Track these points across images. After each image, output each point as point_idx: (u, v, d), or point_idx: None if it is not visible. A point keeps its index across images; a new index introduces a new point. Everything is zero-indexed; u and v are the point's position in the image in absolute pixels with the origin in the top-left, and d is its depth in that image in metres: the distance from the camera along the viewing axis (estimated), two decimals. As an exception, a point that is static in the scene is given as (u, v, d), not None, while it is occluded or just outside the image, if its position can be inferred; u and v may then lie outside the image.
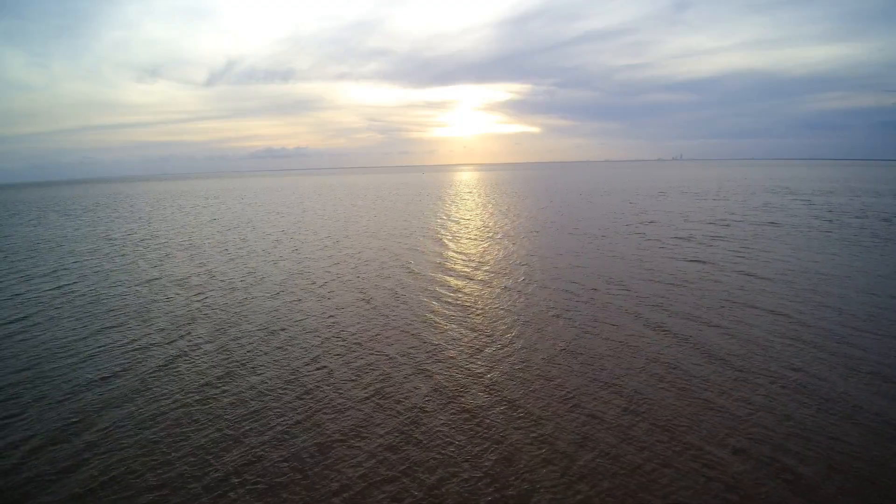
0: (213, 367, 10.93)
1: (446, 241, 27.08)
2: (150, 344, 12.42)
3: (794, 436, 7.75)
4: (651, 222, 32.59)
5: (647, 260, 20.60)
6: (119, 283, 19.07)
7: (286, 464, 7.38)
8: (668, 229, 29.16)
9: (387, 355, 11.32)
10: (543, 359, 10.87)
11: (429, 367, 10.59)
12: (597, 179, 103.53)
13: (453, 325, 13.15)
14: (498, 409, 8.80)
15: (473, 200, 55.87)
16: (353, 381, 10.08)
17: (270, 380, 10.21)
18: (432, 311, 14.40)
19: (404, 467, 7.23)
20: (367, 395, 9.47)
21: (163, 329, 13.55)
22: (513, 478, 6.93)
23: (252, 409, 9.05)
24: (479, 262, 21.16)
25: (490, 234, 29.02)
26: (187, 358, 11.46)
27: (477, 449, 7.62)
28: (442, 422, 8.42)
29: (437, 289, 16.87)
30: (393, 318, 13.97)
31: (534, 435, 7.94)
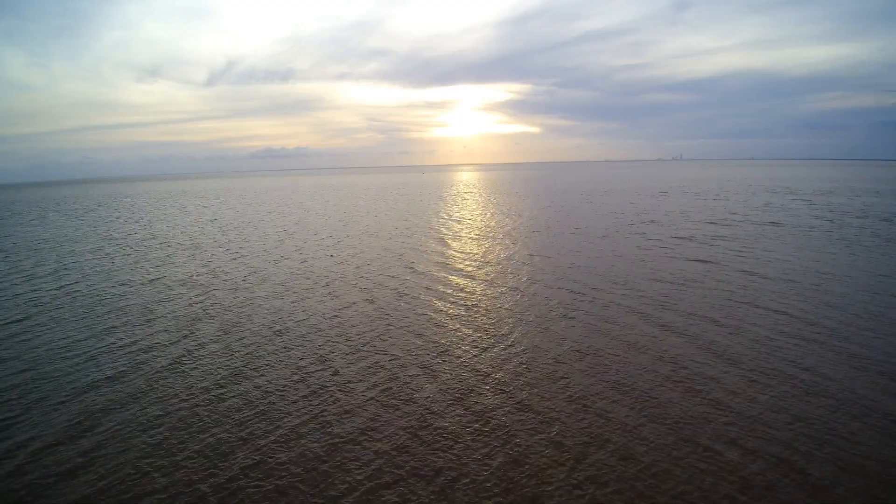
0: (219, 367, 10.91)
1: (448, 240, 27.06)
2: (155, 344, 12.40)
3: (803, 436, 7.73)
4: (652, 222, 32.58)
5: (650, 259, 20.58)
6: (122, 283, 19.04)
7: (294, 464, 7.36)
8: (670, 229, 29.15)
9: (392, 355, 11.30)
10: (550, 358, 10.85)
11: (435, 367, 10.57)
12: (597, 179, 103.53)
13: (458, 325, 13.13)
14: (505, 408, 8.78)
15: (474, 200, 55.87)
16: (359, 380, 10.06)
17: (276, 380, 10.18)
18: (437, 311, 14.38)
19: (412, 467, 7.21)
20: (373, 394, 9.45)
21: (167, 329, 13.53)
22: (521, 478, 6.91)
23: (258, 409, 9.02)
24: (481, 261, 21.13)
25: (492, 234, 29.00)
26: (192, 358, 11.44)
27: (485, 449, 7.60)
28: (449, 422, 8.40)
29: (441, 288, 16.85)
30: (397, 317, 13.94)
31: (542, 435, 7.93)
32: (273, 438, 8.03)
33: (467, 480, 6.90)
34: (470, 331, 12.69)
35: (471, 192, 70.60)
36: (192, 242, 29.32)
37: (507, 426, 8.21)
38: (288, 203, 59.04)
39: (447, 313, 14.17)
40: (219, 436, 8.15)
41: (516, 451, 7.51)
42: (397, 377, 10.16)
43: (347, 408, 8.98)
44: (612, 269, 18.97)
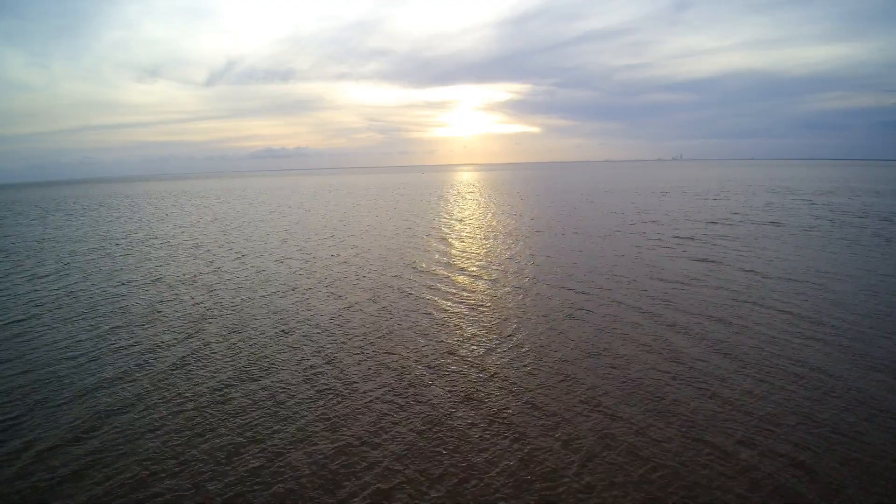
0: (225, 367, 10.90)
1: (451, 239, 27.07)
2: (160, 344, 12.39)
3: (813, 435, 7.72)
4: (653, 221, 32.60)
5: (652, 259, 20.58)
6: (125, 283, 19.04)
7: (302, 465, 7.35)
8: (671, 228, 29.16)
9: (398, 354, 11.30)
10: (556, 357, 10.84)
11: (441, 366, 10.57)
12: (597, 179, 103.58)
13: (463, 324, 13.12)
14: (513, 408, 8.77)
15: (475, 200, 55.89)
16: (366, 380, 10.05)
17: (282, 380, 10.18)
18: (441, 310, 14.38)
19: (420, 468, 7.21)
20: (380, 394, 9.44)
21: (171, 329, 13.52)
22: (531, 478, 6.89)
23: (265, 409, 9.01)
24: (484, 261, 21.14)
25: (494, 234, 29.00)
26: (198, 358, 11.43)
27: (494, 449, 7.60)
28: (457, 421, 8.39)
29: (445, 288, 16.85)
30: (402, 317, 13.94)
31: (551, 435, 7.92)
32: (280, 439, 8.02)
33: (476, 481, 6.89)
34: (475, 330, 12.70)
35: (471, 192, 70.62)
36: (193, 242, 29.32)
37: (515, 426, 8.21)
38: (289, 203, 59.04)
39: (452, 312, 14.17)
40: (226, 436, 8.14)
41: (525, 451, 7.50)
42: (404, 377, 10.16)
43: (354, 408, 8.98)
44: (614, 269, 18.98)
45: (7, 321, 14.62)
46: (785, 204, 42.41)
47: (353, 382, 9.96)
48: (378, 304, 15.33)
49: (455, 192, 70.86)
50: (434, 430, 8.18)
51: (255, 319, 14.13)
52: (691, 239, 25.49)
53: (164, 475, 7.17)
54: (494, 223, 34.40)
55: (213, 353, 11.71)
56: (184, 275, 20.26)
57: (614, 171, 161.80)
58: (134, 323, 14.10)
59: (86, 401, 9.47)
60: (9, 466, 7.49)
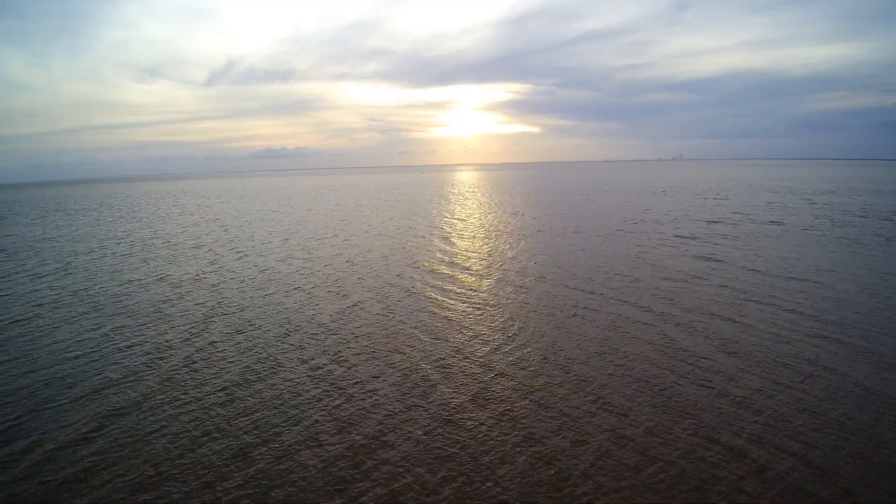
0: (231, 367, 10.89)
1: (453, 239, 27.08)
2: (165, 344, 12.38)
3: (825, 433, 7.73)
4: (655, 221, 32.62)
5: (655, 258, 20.58)
6: (128, 283, 19.04)
7: (311, 465, 7.34)
8: (673, 228, 29.18)
9: (405, 353, 11.29)
10: (564, 356, 10.83)
11: (449, 365, 10.55)
12: (598, 179, 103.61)
13: (469, 323, 13.11)
14: (522, 406, 8.76)
15: (476, 200, 55.90)
16: (374, 378, 10.05)
17: (289, 380, 10.17)
18: (447, 309, 14.37)
19: (430, 467, 7.20)
20: (388, 393, 9.44)
21: (177, 328, 13.51)
22: (541, 476, 6.89)
23: (273, 409, 9.00)
24: (488, 260, 21.14)
25: (496, 233, 29.01)
26: (203, 358, 11.42)
27: (504, 447, 7.59)
28: (467, 420, 8.38)
29: (450, 287, 16.84)
30: (407, 315, 13.93)
31: (561, 433, 7.91)
32: (287, 438, 8.00)
33: (485, 481, 6.88)
34: (480, 329, 12.69)
35: (472, 192, 70.62)
36: (195, 242, 29.32)
37: (523, 424, 8.19)
38: (290, 203, 59.03)
39: (456, 311, 14.18)
40: (233, 436, 8.13)
41: (534, 450, 7.49)
42: (410, 376, 10.16)
43: (361, 407, 8.96)
44: (617, 268, 18.98)
45: (10, 321, 14.63)
46: (785, 203, 42.44)
47: (360, 381, 9.97)
48: (382, 303, 15.34)
49: (455, 192, 70.87)
50: (442, 429, 8.17)
51: (260, 319, 14.14)
52: (693, 238, 25.51)
53: (171, 475, 7.16)
54: (496, 222, 34.42)
55: (219, 352, 11.72)
56: (186, 274, 20.27)
57: (614, 171, 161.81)
58: (138, 322, 14.11)
59: (91, 401, 9.47)
60: (14, 467, 7.48)
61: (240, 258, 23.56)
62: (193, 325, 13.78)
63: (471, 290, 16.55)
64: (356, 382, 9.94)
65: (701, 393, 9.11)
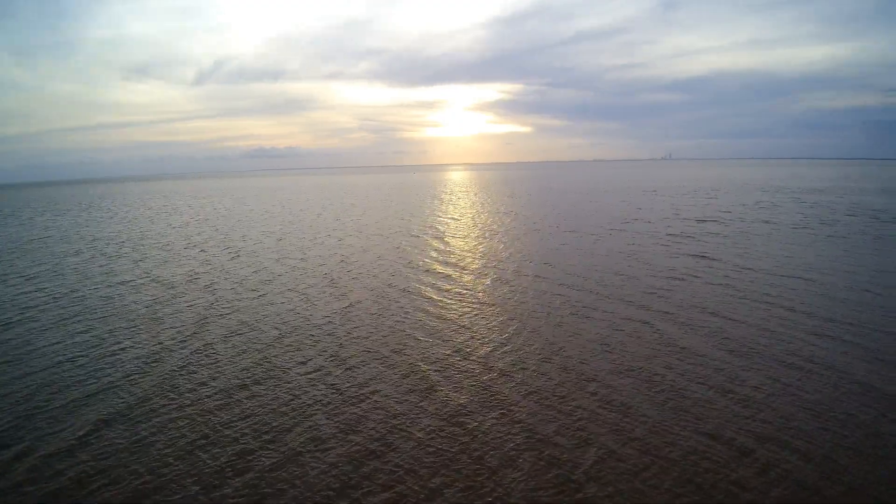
0: (228, 369, 10.76)
1: (449, 238, 27.05)
2: (162, 346, 12.20)
3: (828, 430, 7.80)
4: (647, 221, 32.84)
5: (649, 256, 20.67)
6: (124, 283, 18.76)
7: (313, 467, 7.27)
8: (664, 227, 29.38)
9: (405, 354, 11.22)
10: (565, 355, 10.82)
11: (450, 365, 10.51)
12: (589, 179, 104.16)
13: (469, 323, 13.06)
14: (525, 405, 8.75)
15: (469, 199, 55.95)
16: (375, 380, 9.98)
17: (288, 382, 10.07)
18: (446, 308, 14.30)
19: (434, 468, 7.17)
20: (390, 394, 9.37)
21: (173, 330, 13.32)
22: (545, 476, 6.88)
23: (272, 411, 8.90)
24: (484, 259, 21.12)
25: (490, 232, 29.02)
26: (200, 360, 11.27)
27: (507, 447, 7.57)
28: (472, 421, 8.35)
29: (448, 286, 16.78)
30: (405, 315, 13.84)
31: (565, 433, 7.90)
32: (288, 441, 7.92)
33: (489, 481, 6.87)
34: (480, 329, 12.66)
35: (464, 192, 70.68)
36: (187, 242, 28.99)
37: (527, 425, 8.17)
38: (283, 202, 58.62)
39: (455, 311, 14.14)
40: (232, 440, 8.02)
41: (538, 450, 7.47)
42: (410, 376, 10.09)
43: (363, 409, 8.88)
44: (613, 266, 19.04)
45: (3, 323, 14.38)
46: (779, 202, 42.93)
47: (359, 383, 9.90)
48: (378, 303, 15.28)
49: (448, 192, 70.88)
50: (443, 430, 8.13)
51: (256, 320, 14.02)
52: (685, 236, 25.71)
53: (168, 482, 7.04)
54: (489, 222, 34.46)
55: (215, 354, 11.56)
56: (180, 275, 20.05)
57: (606, 171, 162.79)
58: (132, 325, 13.92)
59: (85, 406, 9.30)
60: (7, 474, 7.32)
61: (233, 258, 23.36)
62: (188, 327, 13.63)
63: (467, 289, 16.55)
64: (355, 384, 9.89)
65: (700, 390, 9.14)
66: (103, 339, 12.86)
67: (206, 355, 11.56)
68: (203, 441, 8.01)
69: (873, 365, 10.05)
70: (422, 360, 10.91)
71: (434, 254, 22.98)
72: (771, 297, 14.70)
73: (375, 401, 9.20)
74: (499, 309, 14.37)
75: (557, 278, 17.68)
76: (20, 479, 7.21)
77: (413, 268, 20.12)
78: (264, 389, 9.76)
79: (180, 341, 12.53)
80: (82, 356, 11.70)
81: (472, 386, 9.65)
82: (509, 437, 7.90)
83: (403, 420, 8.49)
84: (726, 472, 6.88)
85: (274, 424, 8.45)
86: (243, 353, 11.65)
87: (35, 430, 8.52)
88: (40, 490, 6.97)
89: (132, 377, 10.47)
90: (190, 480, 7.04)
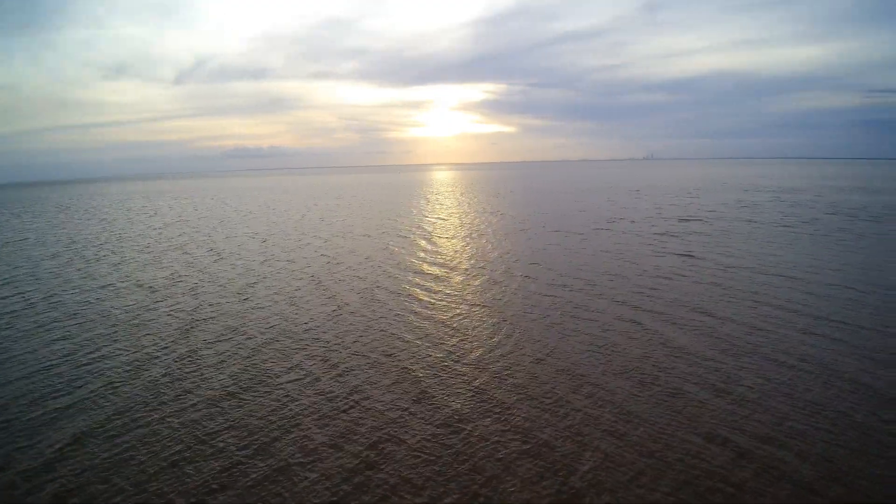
0: (215, 375, 10.45)
1: (436, 239, 26.89)
2: (145, 353, 11.82)
3: (827, 430, 7.84)
4: (632, 221, 33.12)
5: (636, 255, 20.80)
6: (105, 287, 18.19)
7: (307, 478, 7.07)
8: (649, 226, 29.66)
9: (397, 357, 11.04)
10: (558, 356, 10.75)
11: (444, 369, 10.36)
12: (574, 178, 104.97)
13: (461, 326, 12.92)
14: (522, 409, 8.65)
15: (455, 199, 55.88)
16: (366, 384, 9.81)
17: (279, 388, 9.82)
18: (437, 310, 14.14)
19: (432, 475, 7.02)
20: (386, 399, 9.21)
21: (157, 336, 12.91)
22: (545, 480, 6.78)
23: (263, 420, 8.67)
24: (473, 260, 21.00)
25: (478, 232, 28.94)
26: (186, 368, 10.94)
27: (505, 451, 7.46)
28: (467, 424, 8.22)
29: (438, 287, 16.62)
30: (395, 318, 13.64)
31: (565, 438, 7.81)
32: (278, 453, 7.69)
33: (487, 491, 6.76)
34: (471, 331, 12.53)
35: (451, 192, 70.61)
36: (169, 244, 28.32)
37: (524, 429, 8.06)
38: (267, 203, 57.78)
39: (445, 313, 13.98)
40: (222, 450, 7.76)
41: (536, 455, 7.37)
42: (402, 381, 9.91)
43: (356, 414, 8.71)
44: (601, 266, 19.08)
45: (-28, 332, 13.82)
46: (760, 201, 43.72)
47: (350, 389, 9.67)
48: (368, 305, 15.05)
49: (434, 192, 70.72)
50: (439, 436, 7.98)
51: (243, 325, 13.68)
52: (670, 235, 25.98)
53: (153, 496, 6.77)
54: (477, 222, 34.40)
55: (200, 361, 11.21)
56: (162, 279, 19.54)
57: (590, 171, 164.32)
58: (113, 331, 13.46)
59: (65, 417, 8.93)
60: (-16, 489, 7.02)
61: (217, 260, 22.87)
62: (171, 332, 13.24)
63: (457, 290, 16.43)
64: (345, 390, 9.68)
65: (695, 390, 9.13)
66: (82, 346, 12.43)
67: (190, 362, 11.24)
68: (188, 453, 7.73)
69: (863, 362, 10.19)
70: (413, 364, 10.76)
71: (422, 254, 22.82)
72: (758, 296, 14.87)
73: (367, 407, 9.02)
74: (489, 310, 14.29)
75: (546, 278, 17.68)
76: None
77: (401, 269, 19.93)
78: (252, 397, 9.50)
79: (163, 347, 12.17)
80: (60, 365, 11.27)
81: (465, 390, 9.53)
82: (505, 442, 7.79)
83: (396, 427, 8.31)
84: (724, 475, 6.85)
85: (262, 434, 8.21)
86: (229, 359, 11.36)
87: (10, 443, 8.15)
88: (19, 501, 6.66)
89: (113, 386, 10.10)
90: (175, 495, 6.78)
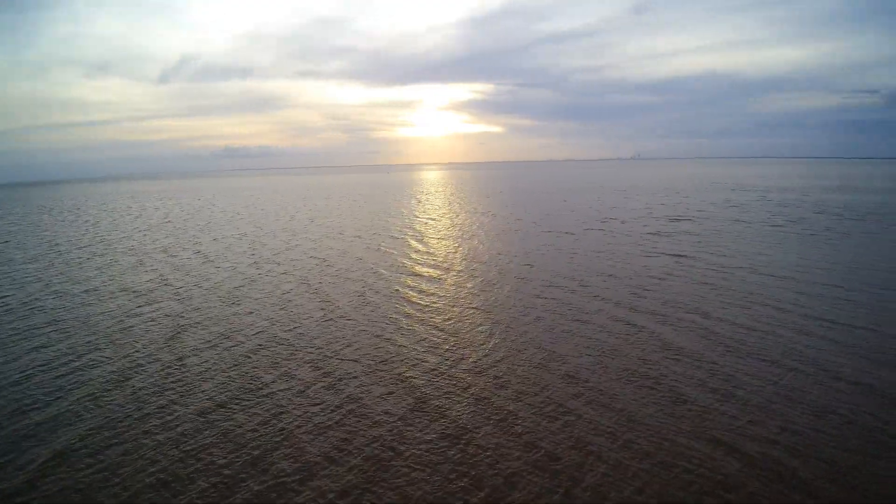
0: (204, 384, 10.09)
1: (428, 240, 26.63)
2: (128, 362, 11.44)
3: (828, 433, 7.75)
4: (623, 221, 33.21)
5: (629, 255, 20.76)
6: (87, 293, 17.65)
7: (301, 496, 6.81)
8: (640, 226, 29.74)
9: (393, 364, 10.78)
10: (560, 360, 10.57)
11: (444, 375, 10.12)
12: (562, 178, 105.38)
13: (459, 329, 12.69)
14: (524, 415, 8.49)
15: (445, 200, 55.67)
16: (363, 392, 9.54)
17: (271, 398, 9.52)
18: (432, 313, 13.90)
19: (433, 487, 6.83)
20: (381, 409, 8.94)
21: (144, 343, 12.51)
22: (549, 487, 6.62)
23: (256, 430, 8.36)
24: (467, 261, 20.79)
25: (470, 233, 28.74)
26: (172, 377, 10.56)
27: (510, 457, 7.26)
28: (484, 437, 8.01)
29: (433, 289, 16.37)
30: (390, 321, 13.38)
31: (570, 446, 7.62)
32: (272, 467, 7.41)
33: (489, 499, 6.59)
34: (470, 335, 12.30)
35: (440, 192, 70.37)
36: (156, 246, 27.67)
37: (528, 438, 7.86)
38: (256, 203, 57.02)
39: (442, 316, 13.74)
40: (212, 465, 7.45)
41: (541, 467, 7.16)
42: (399, 389, 9.65)
43: (353, 427, 8.43)
44: (595, 266, 18.99)
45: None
46: (747, 201, 44.17)
47: (346, 398, 9.37)
48: (362, 309, 14.72)
49: (424, 192, 70.43)
50: (439, 447, 7.72)
51: (232, 330, 13.27)
52: (665, 235, 26.04)
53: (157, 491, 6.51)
54: (468, 222, 34.22)
55: (189, 369, 10.85)
56: (149, 282, 19.03)
57: (577, 170, 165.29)
58: (98, 338, 12.99)
59: (48, 430, 8.55)
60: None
61: (204, 263, 22.37)
62: (158, 339, 12.83)
63: (451, 293, 16.21)
64: (340, 400, 9.38)
65: (700, 395, 8.99)
66: (63, 354, 11.96)
67: (176, 371, 10.86)
68: (175, 469, 7.40)
69: (859, 362, 10.18)
70: (408, 371, 10.51)
71: (415, 255, 22.58)
72: (752, 296, 14.87)
73: (361, 416, 8.75)
74: (484, 313, 14.09)
75: (541, 280, 17.54)
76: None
77: (394, 271, 19.66)
78: (241, 408, 9.18)
79: (148, 355, 11.77)
80: (39, 374, 10.83)
81: (462, 397, 9.30)
82: (506, 453, 7.56)
83: (392, 438, 8.04)
84: (732, 484, 6.68)
85: (252, 447, 7.89)
86: (218, 367, 11.00)
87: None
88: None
89: (96, 397, 9.70)
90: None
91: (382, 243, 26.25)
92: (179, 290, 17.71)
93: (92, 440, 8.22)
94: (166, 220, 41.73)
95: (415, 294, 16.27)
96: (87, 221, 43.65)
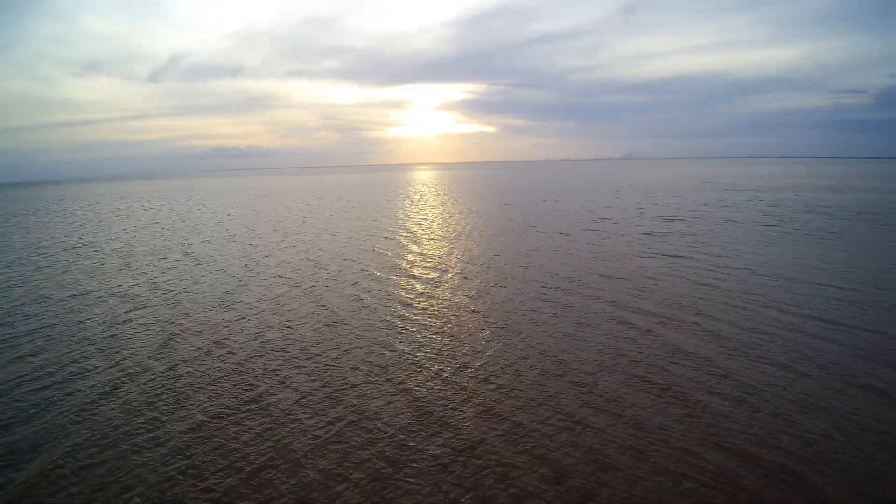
0: (198, 396, 9.69)
1: (424, 241, 26.32)
2: (117, 372, 11.02)
3: (829, 435, 7.60)
4: (616, 222, 33.18)
5: (626, 255, 20.61)
6: (74, 297, 17.16)
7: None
8: (635, 226, 29.68)
9: (396, 372, 10.47)
10: (565, 366, 10.32)
11: (446, 382, 9.84)
12: (555, 178, 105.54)
13: (461, 334, 12.39)
14: (533, 421, 8.23)
15: (439, 200, 55.38)
16: (365, 402, 9.22)
17: (270, 410, 9.17)
18: (432, 316, 13.58)
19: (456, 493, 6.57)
20: (387, 421, 8.64)
21: (130, 350, 12.10)
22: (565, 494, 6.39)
23: (254, 446, 8.03)
24: (464, 262, 20.50)
25: (465, 234, 28.46)
26: (164, 387, 10.16)
27: (525, 479, 6.99)
28: (490, 445, 7.73)
29: (432, 291, 16.06)
30: (390, 325, 13.06)
31: (582, 459, 7.38)
32: (273, 488, 7.12)
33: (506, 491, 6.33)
34: (472, 339, 11.99)
35: (434, 192, 70.08)
36: (146, 248, 27.06)
37: (541, 452, 7.58)
38: (248, 204, 56.33)
39: (443, 320, 13.41)
40: (207, 483, 7.16)
41: (558, 482, 6.90)
42: (401, 397, 9.36)
43: (356, 443, 8.11)
44: (593, 266, 18.79)
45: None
46: (739, 201, 44.40)
47: (348, 409, 9.01)
48: (360, 313, 14.36)
49: (417, 192, 70.10)
50: (446, 462, 7.41)
51: (226, 337, 12.85)
52: (660, 235, 25.97)
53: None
54: (463, 223, 33.96)
55: (182, 379, 10.45)
56: (139, 287, 18.51)
57: (570, 170, 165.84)
58: (86, 346, 12.51)
59: (30, 446, 8.14)
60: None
61: (196, 265, 21.87)
62: (148, 347, 12.39)
63: (450, 295, 15.91)
64: (341, 411, 9.00)
65: (714, 401, 8.78)
66: (50, 363, 11.50)
67: (168, 380, 10.46)
68: (168, 487, 7.05)
69: (861, 362, 10.04)
70: (411, 379, 10.20)
71: (411, 257, 22.28)
72: (752, 296, 14.73)
73: (362, 428, 8.42)
74: (486, 317, 13.83)
75: (540, 281, 17.32)
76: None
77: (390, 273, 19.34)
78: (236, 420, 8.82)
79: (138, 364, 11.36)
80: (24, 385, 10.37)
81: (468, 407, 8.98)
82: (516, 468, 7.24)
83: (396, 452, 7.71)
84: (751, 497, 6.50)
85: (251, 464, 7.53)
86: (210, 377, 10.61)
87: (-34, 480, 7.38)
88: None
89: (84, 410, 9.28)
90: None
91: (377, 244, 25.92)
92: (169, 295, 17.26)
93: (78, 456, 7.82)
94: (156, 222, 41.00)
95: (412, 297, 15.97)
96: (75, 223, 42.76)
